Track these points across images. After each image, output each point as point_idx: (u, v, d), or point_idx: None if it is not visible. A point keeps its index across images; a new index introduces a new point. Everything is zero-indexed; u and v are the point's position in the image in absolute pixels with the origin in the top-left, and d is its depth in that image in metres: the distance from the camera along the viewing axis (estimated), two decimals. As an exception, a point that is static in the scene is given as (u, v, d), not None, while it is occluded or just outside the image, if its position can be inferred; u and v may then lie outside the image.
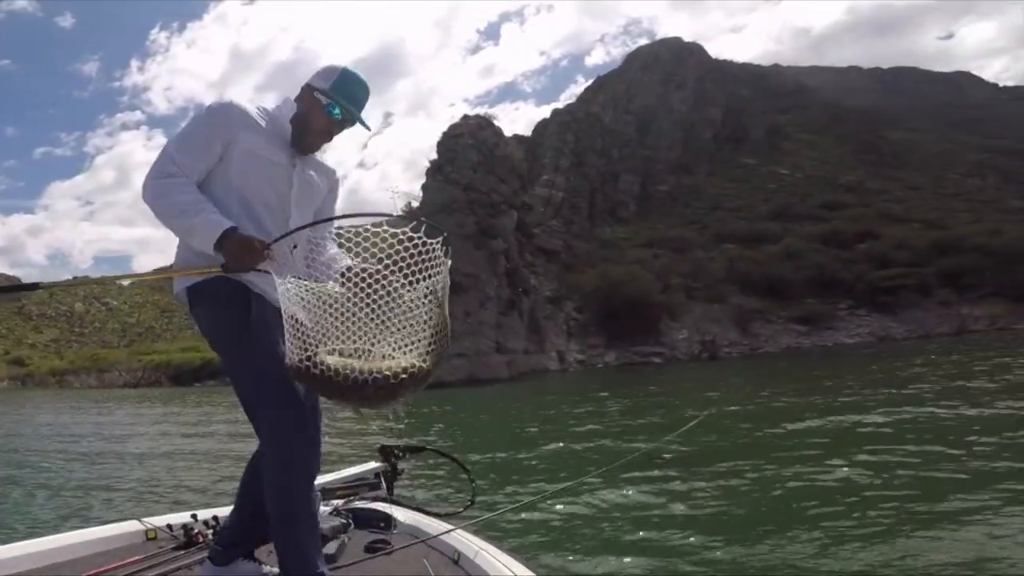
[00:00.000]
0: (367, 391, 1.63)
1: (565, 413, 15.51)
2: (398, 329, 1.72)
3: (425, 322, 1.71)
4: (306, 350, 1.66)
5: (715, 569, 4.39)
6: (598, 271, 44.96)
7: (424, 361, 1.69)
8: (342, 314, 1.70)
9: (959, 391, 13.05)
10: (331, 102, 1.91)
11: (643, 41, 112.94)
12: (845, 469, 7.06)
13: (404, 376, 1.64)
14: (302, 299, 1.67)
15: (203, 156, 1.86)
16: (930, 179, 71.27)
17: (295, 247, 1.85)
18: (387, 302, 1.71)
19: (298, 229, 1.81)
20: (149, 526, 2.43)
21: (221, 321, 1.89)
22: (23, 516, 6.44)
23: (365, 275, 1.71)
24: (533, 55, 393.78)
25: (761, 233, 52.42)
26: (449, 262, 1.72)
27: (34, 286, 2.11)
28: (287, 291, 1.67)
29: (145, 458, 10.71)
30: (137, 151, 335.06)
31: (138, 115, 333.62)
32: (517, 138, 70.16)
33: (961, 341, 30.45)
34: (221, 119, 1.88)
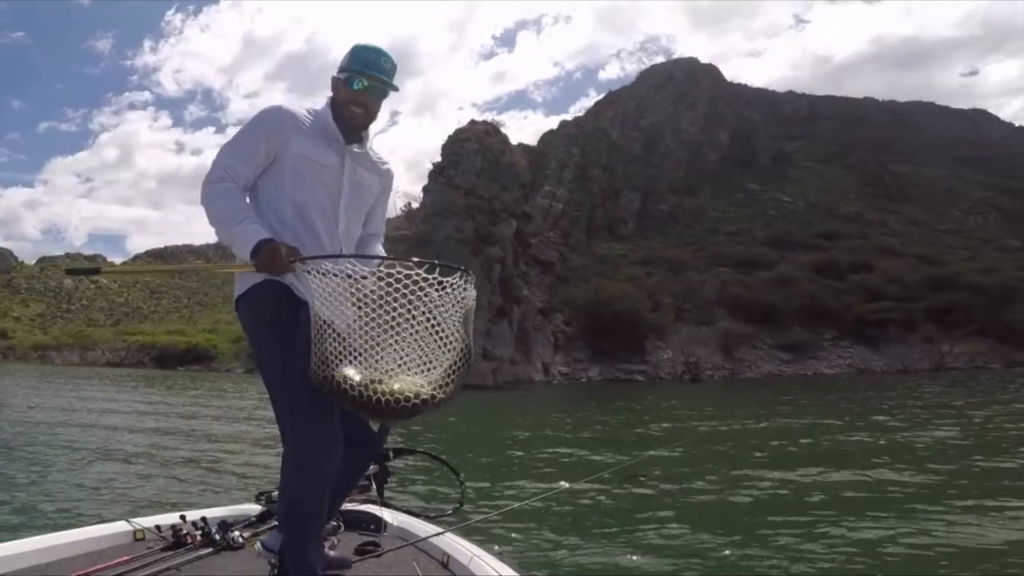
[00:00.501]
0: (383, 411, 1.68)
1: (550, 422, 16.07)
2: (422, 352, 1.76)
3: (448, 349, 1.77)
4: (328, 364, 1.72)
5: (702, 570, 4.65)
6: (591, 286, 45.90)
7: (441, 391, 1.74)
8: (371, 329, 1.73)
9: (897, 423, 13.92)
10: (349, 76, 1.99)
11: (659, 59, 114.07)
12: (814, 479, 7.76)
13: (418, 403, 1.70)
14: (329, 298, 1.74)
15: (250, 161, 1.96)
16: (932, 214, 72.39)
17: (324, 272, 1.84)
18: (412, 324, 1.73)
19: (319, 257, 1.84)
20: (137, 527, 2.42)
21: (261, 319, 1.98)
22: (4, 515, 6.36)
23: (394, 279, 1.72)
24: (547, 65, 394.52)
25: (756, 259, 53.43)
26: (474, 293, 1.82)
27: (95, 270, 2.29)
28: (313, 293, 1.77)
29: (133, 454, 10.57)
30: (142, 131, 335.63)
31: (147, 95, 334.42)
32: (523, 147, 71.40)
33: (936, 378, 31.40)
34: (271, 123, 1.97)
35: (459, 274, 1.77)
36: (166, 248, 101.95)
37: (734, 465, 8.98)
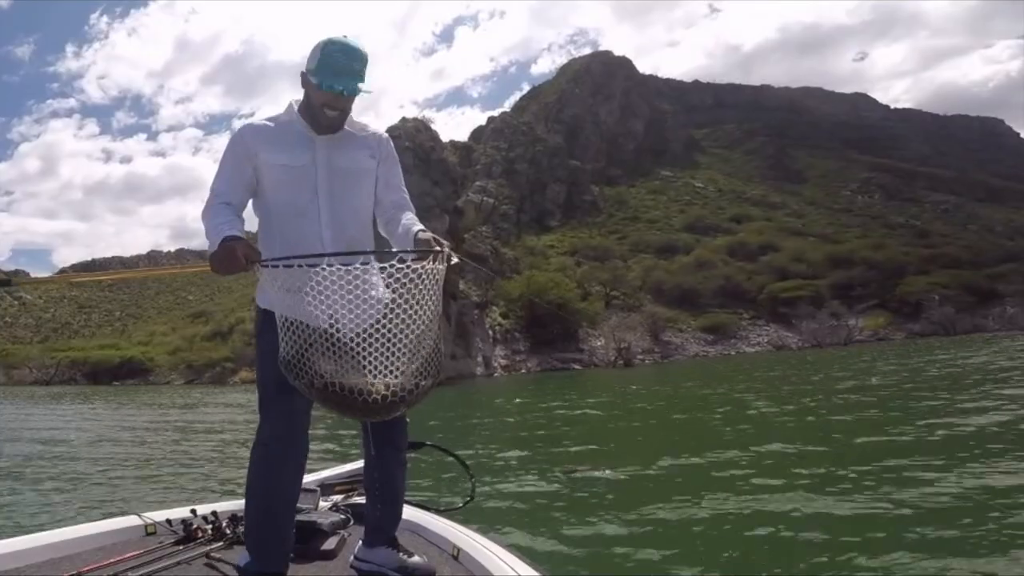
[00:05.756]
0: (357, 407, 1.54)
1: (514, 414, 15.74)
2: (399, 342, 1.61)
3: (425, 337, 1.62)
4: (302, 357, 1.58)
5: (712, 568, 4.21)
6: (524, 278, 45.16)
7: (418, 380, 1.61)
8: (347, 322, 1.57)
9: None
10: (320, 80, 1.82)
11: (587, 51, 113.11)
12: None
13: (405, 395, 1.57)
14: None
15: (237, 182, 1.90)
16: (826, 195, 75.41)
17: (327, 267, 1.66)
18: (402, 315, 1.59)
19: (277, 260, 1.68)
20: (148, 521, 2.36)
21: (258, 325, 1.96)
22: (9, 512, 6.12)
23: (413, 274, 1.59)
24: (483, 60, 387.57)
25: (675, 244, 54.07)
26: (443, 267, 1.65)
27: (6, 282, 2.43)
28: (278, 291, 1.63)
29: (135, 454, 10.19)
30: (67, 140, 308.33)
31: (71, 102, 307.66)
32: (453, 143, 69.68)
33: (845, 351, 32.34)
34: (239, 145, 1.91)
35: (434, 257, 1.63)
36: (94, 261, 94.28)
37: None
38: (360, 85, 1.85)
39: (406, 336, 1.60)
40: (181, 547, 2.19)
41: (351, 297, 1.60)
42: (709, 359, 37.29)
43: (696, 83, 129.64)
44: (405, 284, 1.59)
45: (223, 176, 1.91)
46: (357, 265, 1.62)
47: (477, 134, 76.67)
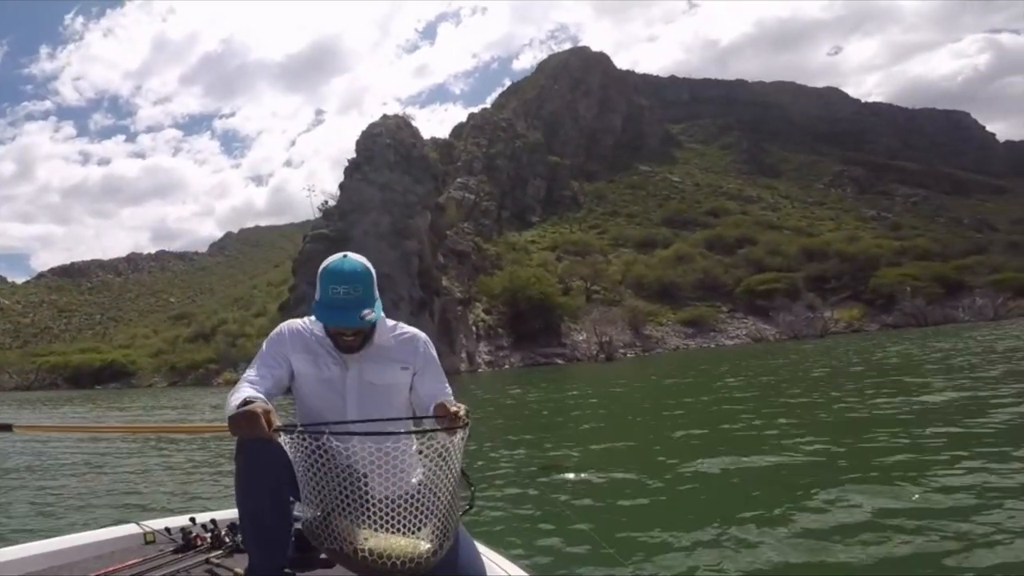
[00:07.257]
0: (395, 571, 1.55)
1: (503, 411, 15.64)
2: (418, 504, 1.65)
3: (440, 498, 1.66)
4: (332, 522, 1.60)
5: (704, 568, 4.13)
6: (506, 273, 45.25)
7: (437, 543, 1.63)
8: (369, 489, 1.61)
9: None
10: (320, 317, 1.82)
11: (568, 47, 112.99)
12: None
13: (430, 556, 1.59)
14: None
15: (268, 375, 1.90)
16: (800, 188, 76.47)
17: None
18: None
19: (303, 429, 1.66)
20: (147, 529, 2.35)
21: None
22: (7, 521, 6.06)
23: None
24: (465, 57, 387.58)
25: (654, 238, 54.51)
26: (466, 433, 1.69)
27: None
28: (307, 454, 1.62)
29: (135, 460, 10.05)
30: (43, 143, 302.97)
31: (47, 104, 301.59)
32: (434, 140, 69.42)
33: (822, 342, 32.98)
34: (279, 343, 1.95)
35: (460, 431, 1.66)
36: (73, 264, 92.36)
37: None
38: (365, 315, 1.79)
39: (433, 499, 1.65)
40: (180, 555, 2.16)
41: (381, 467, 1.62)
42: (690, 352, 37.72)
43: (672, 78, 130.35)
44: (437, 452, 1.64)
45: (257, 365, 1.93)
46: (388, 444, 1.62)
47: (458, 131, 76.49)
